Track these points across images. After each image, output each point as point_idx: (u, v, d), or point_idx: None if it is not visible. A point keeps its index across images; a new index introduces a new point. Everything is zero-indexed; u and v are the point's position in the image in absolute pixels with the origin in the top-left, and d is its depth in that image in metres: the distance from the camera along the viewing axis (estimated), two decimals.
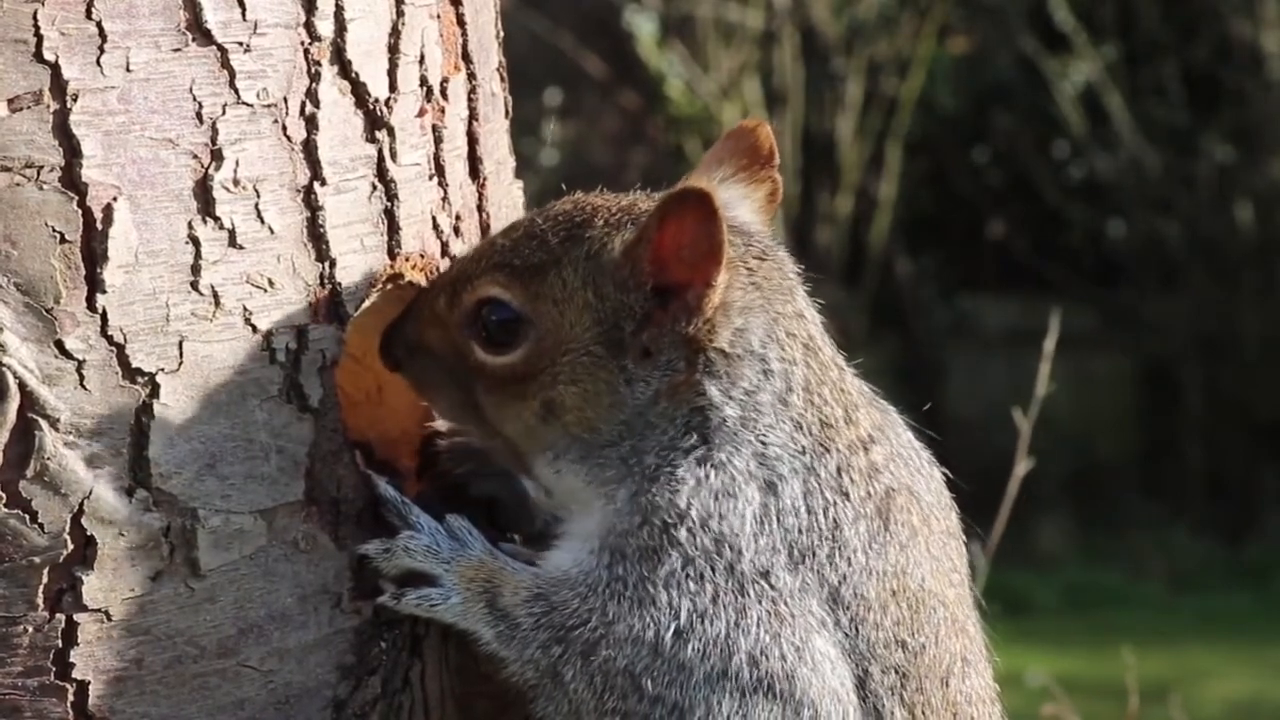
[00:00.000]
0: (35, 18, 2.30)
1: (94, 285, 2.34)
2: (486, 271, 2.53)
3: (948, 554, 2.59)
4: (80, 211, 2.33)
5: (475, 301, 2.53)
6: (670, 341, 2.49)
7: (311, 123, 2.47)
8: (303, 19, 2.46)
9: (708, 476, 2.47)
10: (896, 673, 2.50)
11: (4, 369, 2.31)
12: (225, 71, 2.40)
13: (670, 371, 2.49)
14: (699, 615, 2.44)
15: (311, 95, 2.47)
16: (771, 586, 2.46)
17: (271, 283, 2.44)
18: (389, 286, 2.58)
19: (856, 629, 2.49)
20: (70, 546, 2.35)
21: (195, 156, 2.39)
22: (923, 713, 2.52)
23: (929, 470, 2.62)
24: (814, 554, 2.48)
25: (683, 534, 2.45)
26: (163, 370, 2.38)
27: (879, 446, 2.56)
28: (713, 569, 2.45)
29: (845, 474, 2.51)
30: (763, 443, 2.49)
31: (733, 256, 2.48)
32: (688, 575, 2.44)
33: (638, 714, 2.43)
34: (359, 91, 2.51)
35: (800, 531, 2.47)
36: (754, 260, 2.54)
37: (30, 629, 2.35)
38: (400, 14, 2.54)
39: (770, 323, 2.52)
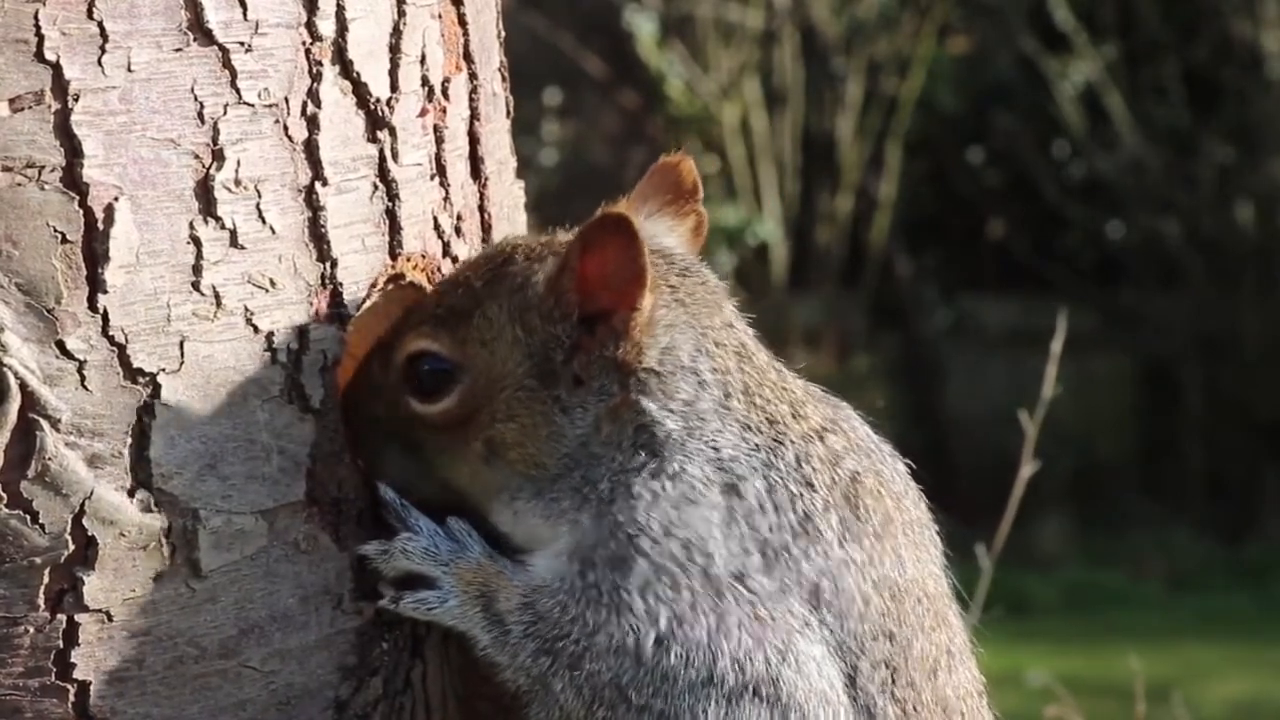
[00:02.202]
0: (36, 18, 2.30)
1: (95, 285, 2.34)
2: (413, 327, 2.54)
3: (923, 542, 2.58)
4: (81, 211, 2.33)
5: (406, 358, 2.53)
6: (601, 367, 2.49)
7: (313, 123, 2.47)
8: (304, 19, 2.45)
9: (664, 488, 2.47)
10: (886, 667, 2.49)
11: (5, 369, 2.31)
12: (227, 71, 2.40)
13: (605, 396, 2.49)
14: (678, 621, 2.43)
15: (313, 95, 2.47)
16: (749, 590, 2.45)
17: (273, 283, 2.44)
18: (390, 287, 2.58)
19: (841, 624, 2.47)
20: (71, 547, 2.34)
21: (197, 156, 2.39)
22: (914, 708, 2.50)
23: (892, 462, 2.61)
24: (788, 551, 2.47)
25: (646, 544, 2.45)
26: (164, 370, 2.38)
27: (834, 436, 2.55)
28: (687, 575, 2.44)
29: (806, 463, 2.50)
30: (714, 449, 2.49)
31: (654, 276, 2.49)
32: (663, 583, 2.44)
33: None
34: (360, 91, 2.51)
35: (771, 530, 2.47)
36: (675, 278, 2.55)
37: (31, 629, 2.34)
38: (402, 14, 2.54)
39: (698, 337, 2.53)
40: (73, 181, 2.32)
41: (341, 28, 2.48)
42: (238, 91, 2.41)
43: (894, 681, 2.49)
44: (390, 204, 2.55)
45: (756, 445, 2.50)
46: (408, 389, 2.54)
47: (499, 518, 2.54)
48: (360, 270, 2.52)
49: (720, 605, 2.44)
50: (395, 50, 2.54)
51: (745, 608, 2.44)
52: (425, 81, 2.58)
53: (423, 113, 2.58)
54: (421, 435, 2.55)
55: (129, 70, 2.35)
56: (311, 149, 2.47)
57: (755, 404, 2.52)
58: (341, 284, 2.50)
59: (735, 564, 2.45)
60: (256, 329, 2.43)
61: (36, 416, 2.32)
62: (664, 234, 2.63)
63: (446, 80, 2.62)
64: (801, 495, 2.49)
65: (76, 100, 2.32)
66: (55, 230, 2.32)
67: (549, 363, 2.50)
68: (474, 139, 2.68)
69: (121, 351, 2.35)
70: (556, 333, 2.50)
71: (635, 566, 2.44)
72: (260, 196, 2.43)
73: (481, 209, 2.71)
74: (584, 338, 2.50)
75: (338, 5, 2.48)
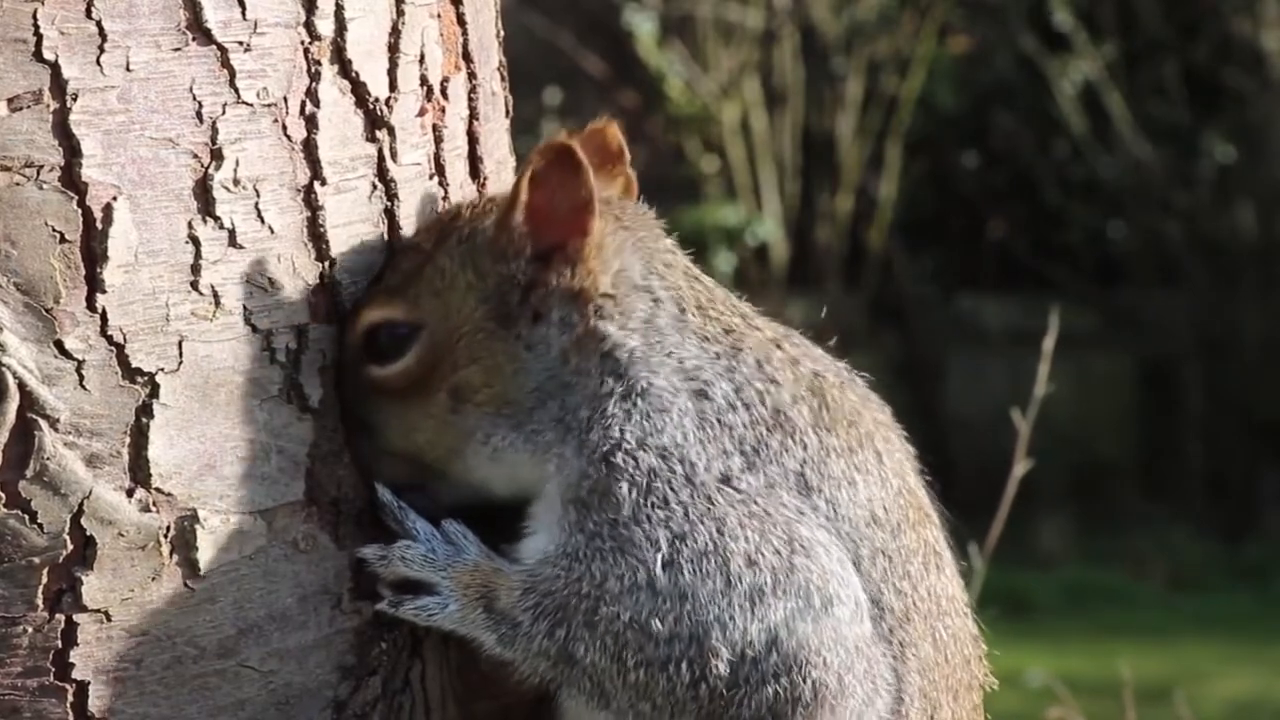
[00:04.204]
0: (35, 17, 2.30)
1: (94, 285, 2.34)
2: (368, 302, 2.53)
3: (895, 443, 2.60)
4: (80, 211, 2.33)
5: (363, 334, 2.52)
6: (558, 299, 2.52)
7: (311, 122, 2.47)
8: (303, 18, 2.45)
9: (635, 404, 2.49)
10: (883, 555, 2.50)
11: (3, 369, 2.31)
12: (225, 71, 2.40)
13: (566, 328, 2.52)
14: (679, 537, 2.44)
15: (311, 95, 2.47)
16: (737, 490, 2.46)
17: (272, 282, 2.44)
18: None
19: (834, 509, 2.49)
20: (70, 547, 2.34)
21: (195, 156, 2.39)
22: (914, 604, 2.52)
23: (849, 375, 2.63)
24: (766, 446, 2.49)
25: (621, 458, 2.46)
26: (162, 370, 2.37)
27: (790, 346, 2.58)
28: (673, 487, 2.45)
29: (766, 365, 2.53)
30: (678, 360, 2.52)
31: (601, 203, 2.53)
32: (652, 504, 2.45)
33: (658, 660, 2.42)
34: (359, 91, 2.51)
35: (745, 427, 2.49)
36: (617, 209, 2.60)
37: (30, 629, 2.34)
38: (400, 13, 2.54)
39: (647, 258, 2.57)
40: (71, 181, 2.32)
41: (340, 27, 2.48)
42: (236, 91, 2.41)
43: (891, 573, 2.50)
44: (389, 203, 2.55)
45: (717, 354, 2.53)
46: (367, 359, 2.53)
47: (473, 463, 2.54)
48: (359, 269, 2.52)
49: (715, 510, 2.44)
50: (394, 50, 2.54)
51: (739, 508, 2.45)
52: (424, 81, 2.58)
53: (421, 112, 2.58)
54: (375, 407, 2.54)
55: (127, 70, 2.35)
56: (310, 148, 2.47)
57: (710, 316, 2.56)
58: (340, 283, 2.50)
59: (717, 467, 2.47)
60: (255, 328, 2.43)
61: (35, 416, 2.32)
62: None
63: (445, 80, 2.62)
64: (769, 391, 2.52)
65: (75, 100, 2.32)
66: (54, 230, 2.32)
67: (506, 303, 2.52)
68: (473, 138, 2.68)
69: (120, 351, 2.35)
70: (510, 271, 2.53)
71: (619, 489, 2.45)
72: (259, 196, 2.43)
73: None
74: (539, 271, 2.52)
75: (336, 5, 2.48)
